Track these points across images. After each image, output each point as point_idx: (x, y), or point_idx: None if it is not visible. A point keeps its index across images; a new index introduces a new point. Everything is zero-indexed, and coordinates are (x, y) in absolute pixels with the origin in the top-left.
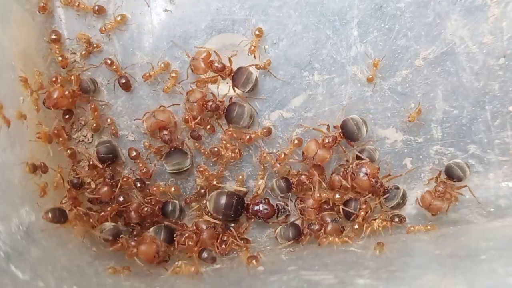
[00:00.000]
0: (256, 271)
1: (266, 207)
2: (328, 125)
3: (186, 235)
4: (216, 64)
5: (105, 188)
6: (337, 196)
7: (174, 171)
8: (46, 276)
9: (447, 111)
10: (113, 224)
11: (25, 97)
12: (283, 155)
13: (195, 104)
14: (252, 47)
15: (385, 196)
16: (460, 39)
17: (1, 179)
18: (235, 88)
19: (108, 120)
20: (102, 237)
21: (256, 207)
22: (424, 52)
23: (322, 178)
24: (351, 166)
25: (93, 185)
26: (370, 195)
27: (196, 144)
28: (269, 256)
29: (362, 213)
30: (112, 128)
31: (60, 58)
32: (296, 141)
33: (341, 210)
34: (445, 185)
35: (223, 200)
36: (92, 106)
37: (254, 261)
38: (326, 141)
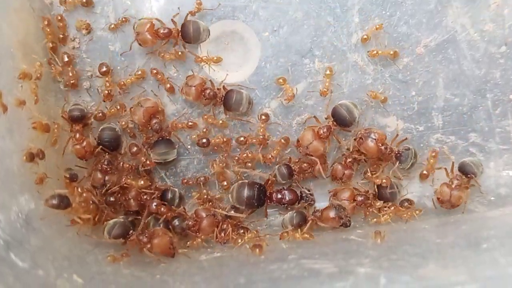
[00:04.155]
0: (256, 260)
1: (288, 193)
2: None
3: (157, 202)
4: (162, 31)
5: (98, 175)
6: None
7: (160, 161)
8: (45, 265)
9: (448, 99)
10: (118, 220)
11: (24, 85)
12: (270, 156)
13: (193, 88)
14: (325, 89)
15: (398, 160)
16: (462, 27)
17: (0, 167)
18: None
19: (123, 123)
20: (112, 235)
21: (279, 195)
22: (425, 39)
23: (325, 168)
24: (359, 131)
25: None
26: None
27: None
28: (269, 244)
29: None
30: (129, 131)
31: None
32: (283, 141)
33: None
34: (460, 178)
35: (245, 190)
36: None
37: (257, 250)
38: (321, 132)
